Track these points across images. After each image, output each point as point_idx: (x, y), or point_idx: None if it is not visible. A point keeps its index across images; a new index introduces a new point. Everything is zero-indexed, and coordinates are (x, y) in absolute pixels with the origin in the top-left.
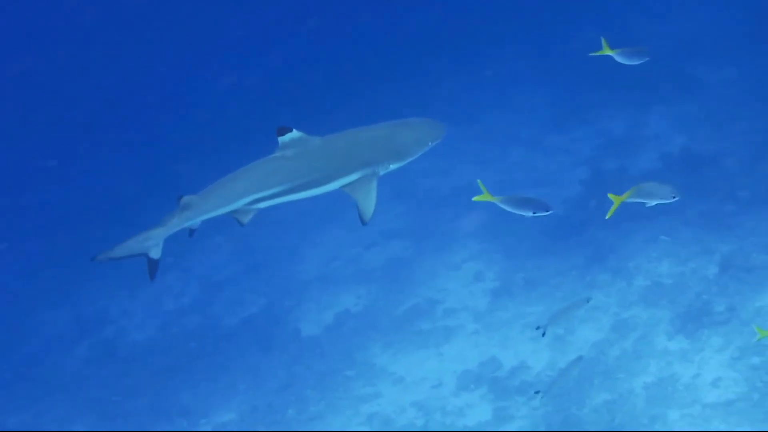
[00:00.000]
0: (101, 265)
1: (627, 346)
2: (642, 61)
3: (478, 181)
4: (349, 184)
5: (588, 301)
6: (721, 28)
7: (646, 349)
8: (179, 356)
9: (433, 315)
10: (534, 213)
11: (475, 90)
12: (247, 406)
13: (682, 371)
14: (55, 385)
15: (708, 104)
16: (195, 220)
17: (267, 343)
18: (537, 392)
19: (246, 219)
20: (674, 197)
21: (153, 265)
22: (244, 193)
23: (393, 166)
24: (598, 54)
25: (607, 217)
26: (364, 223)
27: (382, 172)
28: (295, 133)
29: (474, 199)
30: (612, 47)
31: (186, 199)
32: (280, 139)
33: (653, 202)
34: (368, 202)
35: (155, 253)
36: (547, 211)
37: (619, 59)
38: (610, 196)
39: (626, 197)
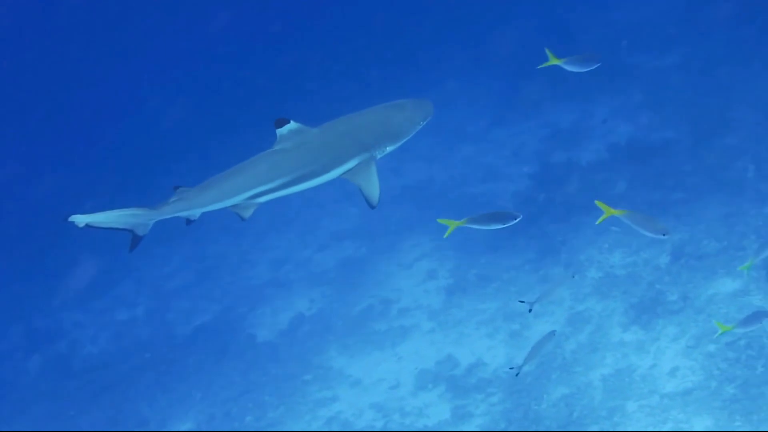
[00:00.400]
0: (74, 228)
1: (583, 339)
2: (593, 68)
3: (439, 220)
4: (349, 171)
5: (573, 277)
6: (661, 14)
7: (602, 342)
8: (134, 367)
9: (387, 315)
10: (504, 225)
11: (416, 85)
12: (205, 415)
13: (638, 362)
14: (9, 401)
15: (652, 92)
16: (192, 212)
17: (222, 351)
18: (512, 368)
19: (247, 213)
20: (664, 235)
21: (136, 240)
22: (244, 188)
23: (389, 149)
24: (545, 65)
25: (597, 223)
26: (372, 207)
27: (379, 156)
28: (292, 125)
29: (439, 220)
30: (559, 56)
31: (180, 190)
32: (278, 131)
33: (642, 232)
34: (371, 186)
35: (141, 231)
36: (516, 219)
37: (568, 68)
38: (599, 204)
39: (617, 213)
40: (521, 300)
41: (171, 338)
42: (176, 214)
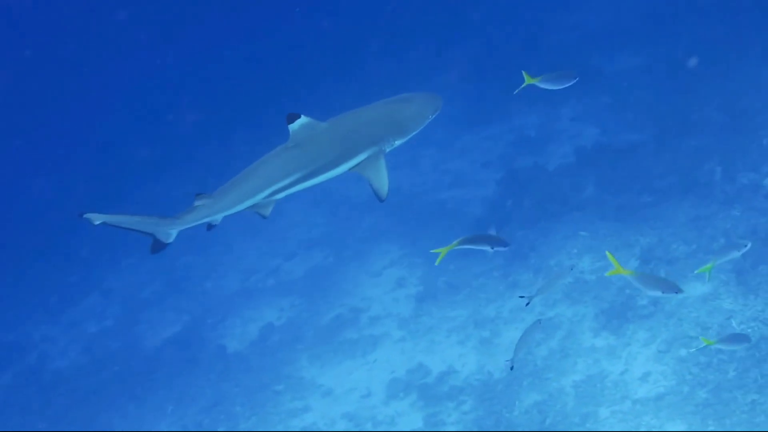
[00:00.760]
0: (90, 225)
1: (554, 345)
2: (569, 84)
3: (434, 250)
4: (358, 164)
5: (572, 269)
6: (624, 16)
7: (573, 347)
8: (105, 380)
9: (357, 324)
10: (493, 248)
11: (380, 91)
12: (177, 427)
13: (610, 368)
14: None
15: (617, 95)
16: (214, 217)
17: (193, 362)
18: (507, 361)
19: (267, 211)
20: (677, 292)
21: (159, 246)
22: (262, 186)
23: (398, 142)
24: (522, 87)
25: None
26: (381, 200)
27: (388, 149)
28: (303, 119)
29: (432, 251)
30: (533, 75)
31: (201, 197)
32: (290, 126)
33: (654, 293)
34: (380, 179)
35: (164, 238)
36: (506, 247)
37: (544, 86)
38: (609, 256)
39: (627, 273)
40: (521, 295)
41: (141, 350)
42: (199, 222)
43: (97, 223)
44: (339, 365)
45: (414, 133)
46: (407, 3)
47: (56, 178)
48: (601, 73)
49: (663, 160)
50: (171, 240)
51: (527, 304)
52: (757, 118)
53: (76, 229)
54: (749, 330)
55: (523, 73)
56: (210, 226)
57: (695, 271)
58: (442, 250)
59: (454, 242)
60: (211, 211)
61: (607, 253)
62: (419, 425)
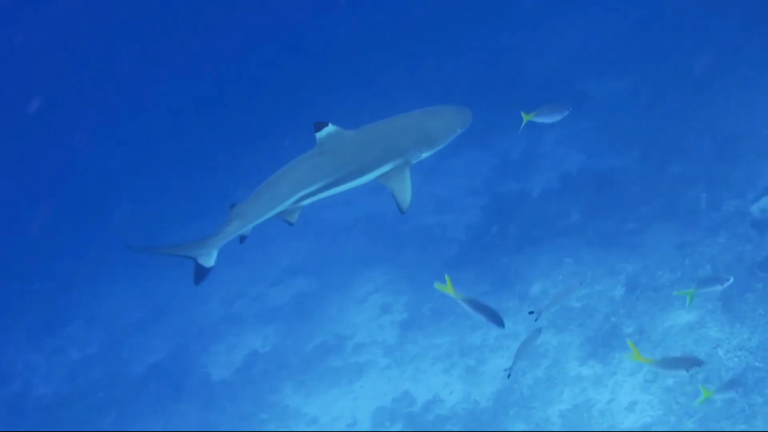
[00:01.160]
0: (140, 254)
1: (540, 374)
2: (564, 116)
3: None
4: (384, 174)
5: (580, 284)
6: (608, 41)
7: (559, 376)
8: (89, 407)
9: (342, 351)
10: (487, 320)
11: (365, 114)
12: None
13: (596, 396)
14: None
15: (601, 119)
16: (248, 227)
17: (177, 389)
18: (505, 370)
19: (293, 218)
20: (729, 279)
21: (202, 272)
22: (290, 193)
23: (425, 155)
24: (523, 126)
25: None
26: (402, 212)
27: (414, 161)
28: (330, 128)
29: (435, 285)
30: (524, 109)
31: (237, 207)
32: (317, 134)
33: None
34: (404, 191)
35: (206, 262)
36: (499, 327)
37: (540, 120)
38: (630, 344)
39: (646, 361)
40: (530, 311)
41: (125, 377)
42: (237, 233)
43: (144, 253)
44: (324, 393)
45: (442, 147)
46: (386, 27)
47: (40, 205)
48: (585, 98)
49: (648, 185)
50: (213, 263)
51: (536, 319)
52: (742, 144)
53: (58, 254)
54: (736, 359)
55: (522, 113)
56: (242, 238)
57: (674, 293)
58: (446, 288)
59: (459, 294)
60: (246, 220)
61: (629, 342)
62: None
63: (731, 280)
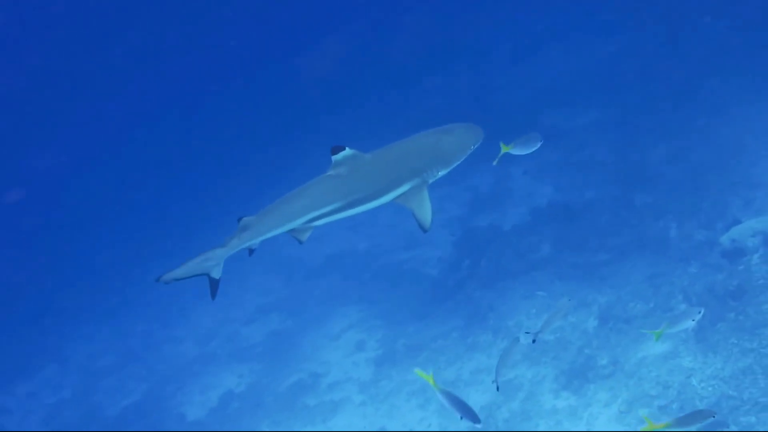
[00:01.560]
0: (165, 285)
1: (515, 407)
2: (537, 147)
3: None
4: (401, 195)
5: (569, 300)
6: (576, 74)
7: (534, 409)
8: None
9: (317, 389)
10: (461, 418)
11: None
12: None
13: (571, 428)
14: None
15: (570, 152)
16: (255, 241)
17: (153, 430)
18: (528, 332)
19: (304, 237)
20: (699, 312)
21: (214, 285)
22: (302, 212)
23: (441, 173)
24: (498, 158)
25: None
26: (425, 230)
27: (431, 180)
28: (347, 151)
29: (416, 371)
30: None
31: (245, 220)
32: (334, 157)
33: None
34: (424, 210)
35: (216, 273)
36: (476, 424)
37: (517, 152)
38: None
39: (659, 427)
40: (527, 331)
41: (100, 419)
42: (245, 245)
43: (169, 281)
44: None
45: (457, 164)
46: (356, 61)
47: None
48: (553, 131)
49: (618, 217)
50: (220, 273)
51: (534, 341)
52: (709, 174)
53: (28, 297)
54: (710, 388)
55: (501, 144)
56: (251, 251)
57: (641, 330)
58: (427, 377)
59: (438, 386)
60: (254, 233)
61: (644, 416)
62: None
63: (702, 312)
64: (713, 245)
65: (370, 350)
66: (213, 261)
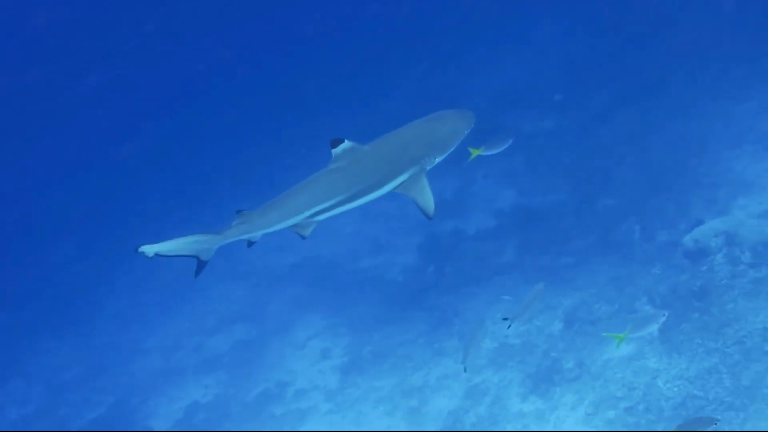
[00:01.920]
0: (144, 258)
1: (482, 412)
2: (507, 145)
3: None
4: (402, 184)
5: (544, 286)
6: (537, 79)
7: (501, 413)
8: None
9: (284, 398)
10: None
11: (295, 160)
12: None
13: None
14: None
15: (532, 156)
16: (254, 234)
17: None
18: (505, 319)
19: (307, 232)
20: (664, 315)
21: (201, 266)
22: (304, 207)
23: (438, 159)
24: (471, 160)
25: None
26: (429, 218)
27: (429, 167)
28: (346, 144)
29: None
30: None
31: (242, 214)
32: (333, 150)
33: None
34: (426, 197)
35: (205, 256)
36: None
37: (488, 153)
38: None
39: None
40: (504, 317)
41: None
42: (240, 238)
43: (151, 255)
44: None
45: (453, 149)
46: (315, 67)
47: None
48: (517, 134)
49: (581, 220)
50: (211, 256)
51: (509, 326)
52: (669, 175)
53: None
54: (675, 388)
55: (470, 149)
56: (250, 243)
57: (603, 335)
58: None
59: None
60: (252, 227)
61: None
62: None
63: (666, 315)
64: (676, 246)
65: (335, 358)
66: (205, 245)
